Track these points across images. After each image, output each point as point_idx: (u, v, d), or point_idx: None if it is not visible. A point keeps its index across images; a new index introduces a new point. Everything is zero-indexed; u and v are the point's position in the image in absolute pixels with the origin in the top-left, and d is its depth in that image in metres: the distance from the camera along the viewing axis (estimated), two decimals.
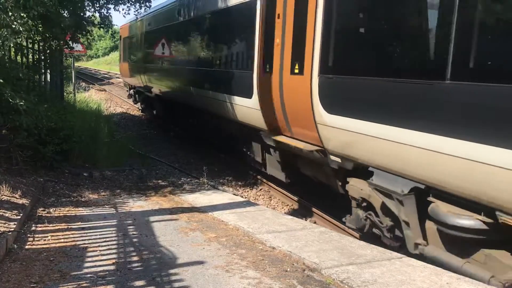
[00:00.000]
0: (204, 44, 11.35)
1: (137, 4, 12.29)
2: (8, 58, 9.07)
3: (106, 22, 11.86)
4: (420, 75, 4.68)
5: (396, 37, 5.19)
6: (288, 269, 4.45)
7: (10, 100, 7.08)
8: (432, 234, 5.08)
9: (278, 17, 7.60)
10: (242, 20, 9.04)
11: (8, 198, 6.19)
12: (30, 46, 10.30)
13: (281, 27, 7.49)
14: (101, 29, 12.81)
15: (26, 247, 4.97)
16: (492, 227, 4.27)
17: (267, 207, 8.35)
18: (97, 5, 11.40)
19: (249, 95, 8.48)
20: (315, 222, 7.71)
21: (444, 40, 4.34)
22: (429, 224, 5.07)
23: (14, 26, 7.07)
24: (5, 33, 7.04)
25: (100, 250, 4.96)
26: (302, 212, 8.54)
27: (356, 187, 6.15)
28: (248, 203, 7.67)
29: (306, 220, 7.45)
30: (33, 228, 5.64)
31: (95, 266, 4.50)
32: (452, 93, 4.32)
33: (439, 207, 4.75)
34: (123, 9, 15.81)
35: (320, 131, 6.36)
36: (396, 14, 5.20)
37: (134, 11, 12.75)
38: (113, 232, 5.68)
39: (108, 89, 33.55)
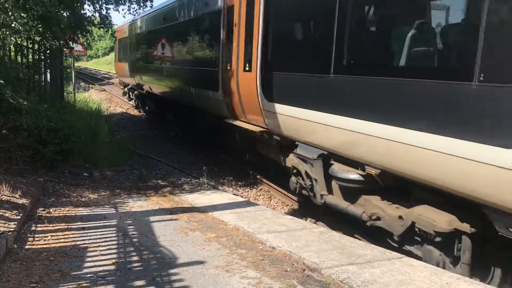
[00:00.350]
0: (184, 46, 13.00)
1: (137, 4, 12.29)
2: (8, 58, 9.07)
3: (105, 22, 11.86)
4: (319, 72, 6.47)
5: (302, 46, 7.26)
6: (288, 269, 4.46)
7: (11, 100, 7.08)
8: (334, 187, 6.78)
9: (235, 25, 9.28)
10: (211, 25, 10.82)
11: (8, 198, 6.19)
12: (30, 46, 10.30)
13: (237, 33, 9.20)
14: (101, 29, 12.81)
15: (26, 247, 4.97)
16: (366, 178, 5.93)
17: (267, 207, 8.35)
18: (97, 5, 11.40)
19: (216, 89, 10.19)
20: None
21: (329, 47, 6.17)
22: (331, 180, 6.74)
23: (14, 25, 7.07)
24: (5, 32, 7.04)
25: (100, 250, 4.96)
26: (301, 211, 8.54)
27: (290, 158, 7.83)
28: (248, 203, 7.67)
29: (306, 220, 7.45)
30: (33, 228, 5.64)
31: (95, 266, 4.50)
32: (334, 82, 6.14)
33: (335, 166, 6.48)
34: (122, 9, 15.84)
35: (264, 115, 8.09)
36: (304, 31, 7.41)
37: (134, 11, 12.76)
38: (113, 232, 5.68)
39: (108, 89, 33.55)
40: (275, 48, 7.81)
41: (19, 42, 9.05)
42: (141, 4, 12.42)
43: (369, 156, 5.59)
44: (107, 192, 8.24)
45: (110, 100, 27.45)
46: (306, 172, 7.32)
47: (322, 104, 6.36)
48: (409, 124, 4.81)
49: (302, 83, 6.98)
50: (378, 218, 5.87)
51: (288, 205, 9.15)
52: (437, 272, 4.37)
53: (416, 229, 5.21)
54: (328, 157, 6.71)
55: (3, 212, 5.59)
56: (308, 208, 8.44)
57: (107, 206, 7.07)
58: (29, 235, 5.36)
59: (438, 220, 4.93)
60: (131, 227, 5.94)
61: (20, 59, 10.06)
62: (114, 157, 11.12)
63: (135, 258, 4.77)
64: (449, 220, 4.88)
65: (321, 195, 6.93)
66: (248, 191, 9.90)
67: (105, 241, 5.28)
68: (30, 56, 10.50)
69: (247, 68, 8.64)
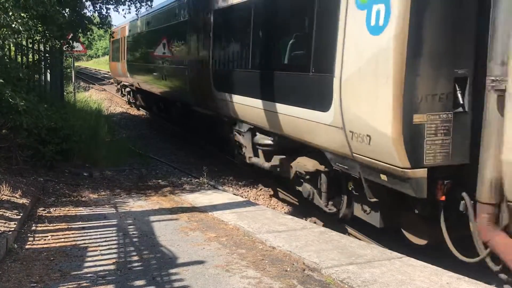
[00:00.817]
0: (159, 47, 15.02)
1: (138, 3, 12.29)
2: (8, 58, 9.07)
3: (105, 22, 11.86)
4: (244, 68, 8.90)
5: (234, 51, 9.68)
6: (288, 269, 4.46)
7: (11, 100, 7.08)
8: (259, 152, 8.94)
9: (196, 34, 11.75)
10: (181, 30, 13.06)
11: (8, 197, 6.19)
12: (30, 46, 10.30)
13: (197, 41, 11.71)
14: (101, 29, 12.82)
15: (26, 246, 4.98)
16: (275, 142, 8.16)
17: (267, 207, 8.35)
18: (97, 5, 11.40)
19: (186, 83, 12.50)
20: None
21: (247, 51, 8.66)
22: (256, 147, 8.89)
23: (14, 25, 7.06)
24: (5, 32, 7.04)
25: (100, 250, 4.97)
26: (301, 211, 8.54)
27: (234, 134, 9.93)
28: (248, 203, 7.67)
29: (306, 220, 7.46)
30: (33, 227, 5.65)
31: (95, 265, 4.51)
32: (252, 76, 8.43)
33: (257, 136, 8.71)
34: (123, 10, 15.85)
35: (216, 102, 10.31)
36: (234, 40, 9.71)
37: (135, 11, 12.76)
38: (113, 231, 5.68)
39: (108, 89, 33.53)
40: (218, 52, 10.38)
41: (19, 42, 9.04)
42: (142, 4, 12.42)
43: (264, 122, 8.07)
44: (107, 192, 8.24)
45: (110, 100, 27.44)
46: (240, 142, 9.72)
47: (247, 91, 8.65)
48: (282, 100, 7.24)
49: (235, 76, 9.39)
50: (280, 169, 8.21)
51: (288, 205, 9.16)
52: (437, 272, 4.37)
53: (297, 172, 7.49)
54: (254, 130, 8.90)
55: (3, 211, 5.59)
56: (308, 208, 8.45)
57: (107, 206, 7.08)
58: (29, 234, 5.37)
59: (308, 164, 7.08)
60: (131, 226, 5.94)
61: (20, 59, 10.07)
62: (114, 157, 11.12)
63: (135, 258, 4.77)
64: (313, 164, 6.98)
65: (249, 157, 9.31)
66: (248, 191, 9.90)
67: (105, 241, 5.28)
68: (30, 56, 10.51)
69: (204, 66, 10.89)
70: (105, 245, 5.13)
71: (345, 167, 6.03)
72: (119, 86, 27.46)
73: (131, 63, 20.36)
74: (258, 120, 8.34)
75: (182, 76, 12.72)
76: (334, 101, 5.76)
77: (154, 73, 16.04)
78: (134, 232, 5.68)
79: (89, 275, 4.27)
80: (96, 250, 4.95)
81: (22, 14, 7.47)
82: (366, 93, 5.21)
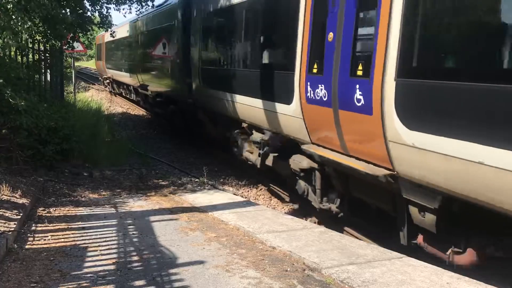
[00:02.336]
0: (135, 49, 19.96)
1: (139, 3, 12.30)
2: (9, 58, 9.07)
3: (105, 22, 11.86)
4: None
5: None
6: (288, 269, 4.45)
7: (11, 100, 7.08)
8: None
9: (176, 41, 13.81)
10: (156, 37, 15.46)
11: (8, 197, 6.19)
12: (30, 46, 10.29)
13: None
14: (101, 29, 12.83)
15: (26, 246, 4.97)
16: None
17: (267, 207, 8.35)
18: (97, 5, 11.40)
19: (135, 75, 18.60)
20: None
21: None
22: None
23: (15, 28, 7.06)
24: (7, 35, 7.03)
25: (100, 250, 4.96)
26: (301, 211, 8.54)
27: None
28: (248, 203, 7.67)
29: (306, 220, 7.45)
30: (33, 227, 5.64)
31: (95, 265, 4.50)
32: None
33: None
34: (123, 9, 15.85)
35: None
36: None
37: (136, 11, 12.77)
38: (113, 231, 5.68)
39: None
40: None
41: (21, 44, 9.04)
42: (143, 4, 12.43)
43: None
44: (107, 192, 8.23)
45: (110, 99, 27.45)
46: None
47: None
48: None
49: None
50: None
51: (288, 205, 9.15)
52: (437, 272, 4.36)
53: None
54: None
55: (3, 211, 5.59)
56: (308, 208, 8.45)
57: (107, 206, 7.07)
58: (29, 234, 5.36)
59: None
60: (131, 226, 5.93)
61: (20, 58, 10.06)
62: (114, 156, 11.11)
63: (135, 258, 4.76)
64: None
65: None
66: (248, 191, 9.90)
67: (105, 241, 5.28)
68: (30, 56, 10.50)
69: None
70: (105, 245, 5.12)
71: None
72: (101, 79, 34.47)
73: (112, 62, 27.29)
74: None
75: (133, 70, 20.00)
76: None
77: (123, 69, 22.89)
78: (134, 232, 5.68)
79: (89, 275, 4.27)
80: (96, 250, 4.95)
81: (25, 18, 7.45)
82: None
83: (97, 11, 11.52)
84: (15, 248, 4.86)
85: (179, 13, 13.17)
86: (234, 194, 8.72)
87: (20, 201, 6.25)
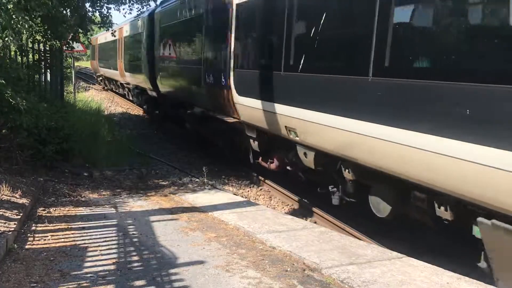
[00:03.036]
0: (120, 51, 23.53)
1: (139, 3, 12.32)
2: (9, 58, 9.06)
3: (106, 22, 11.87)
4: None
5: (166, 54, 14.65)
6: (288, 269, 4.45)
7: (11, 100, 7.08)
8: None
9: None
10: (136, 41, 19.55)
11: (8, 197, 6.19)
12: (30, 46, 10.28)
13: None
14: (101, 29, 12.84)
15: (26, 246, 4.97)
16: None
17: (267, 207, 8.34)
18: (98, 5, 11.41)
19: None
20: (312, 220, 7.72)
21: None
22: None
23: (15, 28, 7.06)
24: (8, 35, 7.03)
25: (100, 250, 4.96)
26: (301, 211, 8.54)
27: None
28: (248, 203, 7.66)
29: (306, 220, 7.45)
30: (33, 227, 5.64)
31: (95, 265, 4.50)
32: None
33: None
34: (123, 9, 15.91)
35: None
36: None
37: (137, 10, 12.80)
38: (113, 231, 5.67)
39: None
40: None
41: (21, 43, 9.04)
42: (144, 3, 12.45)
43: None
44: (107, 192, 8.23)
45: (110, 99, 27.45)
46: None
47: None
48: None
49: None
50: None
51: (288, 205, 9.14)
52: (438, 272, 4.36)
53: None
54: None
55: (3, 211, 5.59)
56: (308, 208, 8.45)
57: (107, 206, 7.07)
58: (29, 234, 5.36)
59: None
60: (131, 226, 5.93)
61: (20, 58, 10.06)
62: (114, 156, 11.10)
63: (135, 258, 4.76)
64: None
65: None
66: (248, 191, 9.89)
67: (105, 241, 5.28)
68: (30, 56, 10.49)
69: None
70: (105, 245, 5.12)
71: None
72: (95, 76, 38.74)
73: (102, 62, 31.74)
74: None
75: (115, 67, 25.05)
76: None
77: (112, 67, 26.68)
78: (134, 232, 5.67)
79: (89, 275, 4.27)
80: (96, 250, 4.95)
81: (26, 17, 7.45)
82: None
83: (97, 11, 11.53)
84: (15, 248, 4.86)
85: (145, 25, 17.34)
86: (234, 194, 8.72)
87: (20, 201, 6.25)
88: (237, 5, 8.96)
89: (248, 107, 8.59)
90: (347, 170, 6.32)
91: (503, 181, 3.67)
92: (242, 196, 8.94)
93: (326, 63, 6.31)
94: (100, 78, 34.95)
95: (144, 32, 17.42)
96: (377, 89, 5.05)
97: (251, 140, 9.31)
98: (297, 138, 7.14)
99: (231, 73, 9.13)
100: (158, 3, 15.73)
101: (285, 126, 7.30)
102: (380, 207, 5.89)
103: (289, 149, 8.00)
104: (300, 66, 6.71)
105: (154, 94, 16.92)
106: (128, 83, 22.90)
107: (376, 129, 5.03)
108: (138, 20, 18.70)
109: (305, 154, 7.24)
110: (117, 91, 29.18)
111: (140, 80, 18.91)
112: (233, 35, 9.08)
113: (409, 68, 4.65)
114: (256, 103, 8.11)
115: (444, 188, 4.36)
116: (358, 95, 5.46)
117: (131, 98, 24.36)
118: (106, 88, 33.57)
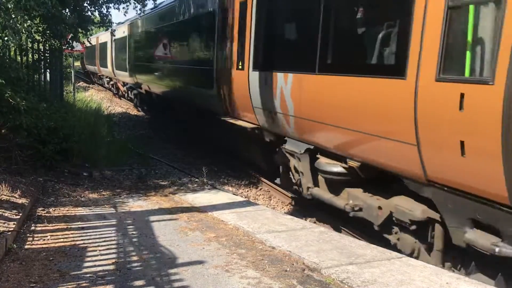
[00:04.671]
0: (104, 51, 29.47)
1: (138, 3, 12.30)
2: (8, 58, 9.06)
3: (106, 21, 11.86)
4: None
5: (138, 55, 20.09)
6: (288, 269, 4.45)
7: (10, 100, 7.08)
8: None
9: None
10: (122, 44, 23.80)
11: (8, 197, 6.19)
12: (29, 45, 10.29)
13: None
14: (101, 28, 12.84)
15: (26, 246, 4.97)
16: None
17: (266, 206, 8.34)
18: (97, 4, 11.39)
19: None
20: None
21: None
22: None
23: (15, 27, 7.06)
24: (8, 34, 7.03)
25: (100, 250, 4.96)
26: (301, 211, 8.53)
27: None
28: (248, 203, 7.66)
29: (305, 220, 7.45)
30: (33, 227, 5.64)
31: (95, 266, 4.50)
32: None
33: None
34: (123, 8, 15.93)
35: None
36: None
37: (138, 9, 12.78)
38: (113, 231, 5.67)
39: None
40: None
41: (21, 43, 9.03)
42: (143, 3, 12.43)
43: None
44: (106, 192, 8.23)
45: (110, 99, 27.45)
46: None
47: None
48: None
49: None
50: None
51: (288, 205, 9.14)
52: (437, 272, 4.36)
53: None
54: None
55: (3, 211, 5.59)
56: (308, 208, 8.44)
57: (106, 206, 7.06)
58: (28, 234, 5.36)
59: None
60: (131, 226, 5.93)
61: (20, 58, 10.06)
62: (113, 156, 11.11)
63: (135, 258, 4.76)
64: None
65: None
66: (248, 191, 9.89)
67: (104, 241, 5.27)
68: (30, 56, 10.49)
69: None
70: (105, 245, 5.12)
71: None
72: (83, 71, 45.46)
73: (88, 61, 39.62)
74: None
75: (103, 65, 30.91)
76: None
77: (96, 64, 34.53)
78: (134, 232, 5.67)
79: (88, 275, 4.26)
80: (96, 250, 4.94)
81: (25, 17, 7.45)
82: None
83: (96, 11, 11.52)
84: (15, 248, 4.85)
85: (127, 31, 21.95)
86: (233, 194, 8.71)
87: (20, 201, 6.24)
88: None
89: None
90: None
91: None
92: (242, 196, 8.94)
93: None
94: (86, 71, 44.40)
95: (127, 37, 22.27)
96: None
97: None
98: None
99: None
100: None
101: None
102: None
103: None
104: None
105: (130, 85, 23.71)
106: (102, 75, 33.88)
107: None
108: (118, 28, 22.32)
109: None
110: (100, 83, 37.07)
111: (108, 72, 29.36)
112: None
113: None
114: None
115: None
116: None
117: (101, 83, 35.61)
118: (92, 81, 41.01)
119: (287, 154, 7.93)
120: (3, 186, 6.36)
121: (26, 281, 4.09)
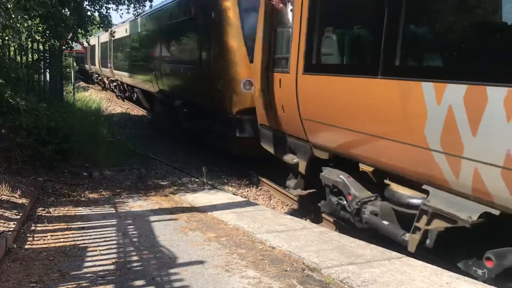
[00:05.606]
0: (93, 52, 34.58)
1: (137, 3, 12.31)
2: (8, 58, 9.06)
3: (105, 22, 11.86)
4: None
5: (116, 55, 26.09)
6: (288, 269, 4.45)
7: (10, 100, 7.08)
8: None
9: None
10: (105, 47, 29.12)
11: (8, 197, 6.19)
12: (29, 46, 10.29)
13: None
14: (100, 29, 12.85)
15: (26, 246, 4.97)
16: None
17: (266, 206, 8.35)
18: (97, 5, 11.40)
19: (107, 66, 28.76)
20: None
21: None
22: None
23: (15, 27, 7.06)
24: (9, 34, 7.04)
25: (100, 250, 4.96)
26: (301, 211, 8.54)
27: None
28: (247, 203, 7.66)
29: (305, 220, 7.45)
30: (33, 227, 5.64)
31: (95, 265, 4.50)
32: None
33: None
34: (121, 10, 15.94)
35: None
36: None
37: (134, 11, 12.78)
38: (113, 231, 5.68)
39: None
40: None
41: (21, 42, 9.03)
42: (141, 4, 12.44)
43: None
44: (106, 192, 8.23)
45: (110, 99, 27.45)
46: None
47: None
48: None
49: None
50: None
51: (287, 205, 9.14)
52: (437, 271, 4.36)
53: None
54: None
55: (3, 211, 5.59)
56: (308, 208, 8.45)
57: (106, 206, 7.07)
58: (28, 234, 5.36)
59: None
60: (131, 226, 5.93)
61: (19, 58, 10.06)
62: (113, 156, 11.10)
63: (135, 258, 4.76)
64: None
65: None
66: (248, 191, 9.89)
67: (104, 241, 5.28)
68: (30, 56, 10.50)
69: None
70: (105, 245, 5.12)
71: None
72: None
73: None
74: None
75: (92, 63, 36.10)
76: None
77: (86, 64, 39.61)
78: (134, 232, 5.68)
79: (88, 275, 4.26)
80: (96, 250, 4.95)
81: (25, 17, 7.45)
82: None
83: (96, 11, 11.53)
84: (15, 248, 4.86)
85: (109, 37, 23.64)
86: (233, 194, 8.72)
87: (20, 201, 6.25)
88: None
89: None
90: None
91: None
92: (242, 196, 8.94)
93: None
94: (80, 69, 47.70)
95: (109, 42, 27.07)
96: None
97: None
98: None
99: None
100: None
101: None
102: None
103: None
104: None
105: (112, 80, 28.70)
106: (93, 72, 37.81)
107: None
108: (104, 34, 26.87)
109: None
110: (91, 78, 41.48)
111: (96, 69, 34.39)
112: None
113: None
114: None
115: None
116: None
117: (92, 79, 38.99)
118: (82, 78, 44.74)
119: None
120: (3, 186, 6.36)
121: (26, 281, 4.09)
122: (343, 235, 5.94)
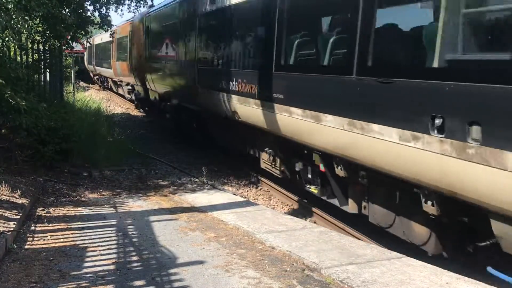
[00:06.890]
0: (96, 53, 35.78)
1: (137, 3, 12.33)
2: (8, 58, 9.06)
3: (105, 22, 11.85)
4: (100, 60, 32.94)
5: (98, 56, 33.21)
6: (288, 269, 4.45)
7: (10, 100, 7.08)
8: None
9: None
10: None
11: (8, 197, 6.19)
12: (29, 46, 10.29)
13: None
14: (100, 29, 12.84)
15: (26, 246, 4.97)
16: None
17: (266, 207, 8.34)
18: (97, 5, 11.40)
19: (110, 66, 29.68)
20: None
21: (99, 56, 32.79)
22: None
23: (15, 27, 7.06)
24: (8, 34, 7.04)
25: (100, 250, 4.96)
26: (301, 211, 8.54)
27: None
28: (247, 203, 7.66)
29: (305, 220, 7.45)
30: (33, 227, 5.64)
31: (95, 266, 4.50)
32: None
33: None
34: (121, 10, 15.98)
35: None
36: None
37: (134, 9, 12.81)
38: (113, 231, 5.67)
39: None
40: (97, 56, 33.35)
41: (21, 43, 9.03)
42: (141, 3, 12.46)
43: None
44: (106, 192, 8.23)
45: (110, 100, 27.44)
46: None
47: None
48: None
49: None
50: None
51: (287, 205, 9.14)
52: (437, 271, 4.36)
53: None
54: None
55: (3, 211, 5.59)
56: (308, 208, 8.45)
57: (106, 206, 7.07)
58: (28, 235, 5.36)
59: None
60: (131, 227, 5.93)
61: (20, 58, 10.06)
62: (113, 156, 11.10)
63: (135, 258, 4.76)
64: None
65: None
66: (248, 191, 9.89)
67: (104, 241, 5.28)
68: (30, 56, 10.50)
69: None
70: (105, 245, 5.12)
71: None
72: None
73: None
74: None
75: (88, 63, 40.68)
76: None
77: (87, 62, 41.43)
78: (134, 232, 5.67)
79: (88, 275, 4.27)
80: (96, 250, 4.95)
81: (26, 17, 7.45)
82: None
83: (97, 11, 11.52)
84: (15, 248, 4.86)
85: (94, 42, 29.27)
86: (233, 194, 8.71)
87: (20, 201, 6.24)
88: None
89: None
90: None
91: None
92: (242, 196, 8.94)
93: None
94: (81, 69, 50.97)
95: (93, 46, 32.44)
96: None
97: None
98: None
99: None
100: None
101: None
102: None
103: None
104: None
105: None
106: (88, 70, 40.71)
107: None
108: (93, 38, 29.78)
109: None
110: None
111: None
112: None
113: None
114: None
115: None
116: None
117: (88, 76, 41.70)
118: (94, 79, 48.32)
119: None
120: (3, 186, 6.36)
121: (26, 281, 4.09)
122: (343, 235, 5.95)
